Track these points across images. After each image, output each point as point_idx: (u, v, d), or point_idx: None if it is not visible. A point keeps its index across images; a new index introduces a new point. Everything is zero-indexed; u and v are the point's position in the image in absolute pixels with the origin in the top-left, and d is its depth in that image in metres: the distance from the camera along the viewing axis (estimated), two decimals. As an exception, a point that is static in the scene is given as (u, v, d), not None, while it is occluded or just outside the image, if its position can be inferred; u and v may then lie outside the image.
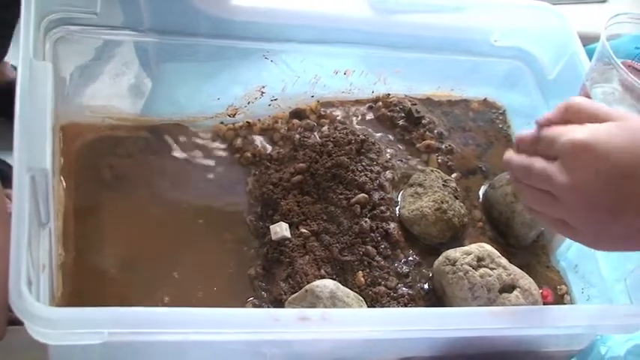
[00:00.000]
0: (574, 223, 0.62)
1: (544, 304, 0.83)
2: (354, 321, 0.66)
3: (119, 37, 0.88)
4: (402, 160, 0.94)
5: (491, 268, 0.79)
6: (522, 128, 1.01)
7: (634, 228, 0.59)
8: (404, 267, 0.84)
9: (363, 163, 0.89)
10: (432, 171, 0.91)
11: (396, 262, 0.84)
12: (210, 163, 0.92)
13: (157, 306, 0.77)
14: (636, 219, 0.59)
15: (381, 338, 0.69)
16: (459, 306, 0.78)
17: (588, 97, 0.79)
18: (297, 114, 0.96)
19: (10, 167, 1.09)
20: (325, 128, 0.94)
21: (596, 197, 0.59)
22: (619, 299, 0.84)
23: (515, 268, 0.81)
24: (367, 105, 1.00)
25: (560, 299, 0.87)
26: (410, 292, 0.82)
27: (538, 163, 0.63)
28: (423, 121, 0.98)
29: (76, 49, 0.86)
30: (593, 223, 0.60)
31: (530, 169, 0.64)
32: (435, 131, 0.98)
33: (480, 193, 0.94)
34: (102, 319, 0.60)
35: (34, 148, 0.65)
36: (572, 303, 0.88)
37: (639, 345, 0.84)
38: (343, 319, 0.66)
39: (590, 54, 0.90)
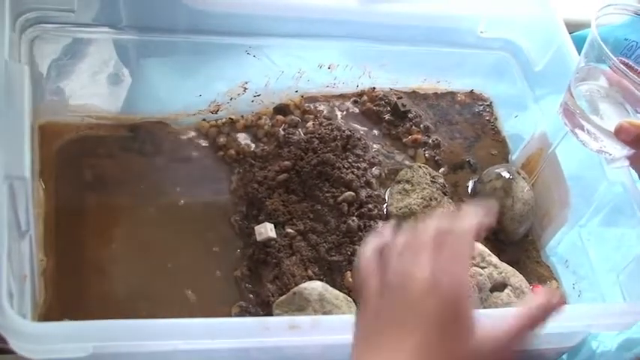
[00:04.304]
0: None
1: (535, 300, 0.82)
2: (345, 328, 0.65)
3: (97, 35, 0.86)
4: (388, 156, 0.93)
5: (482, 267, 0.78)
6: (509, 120, 1.00)
7: None
8: (393, 266, 0.83)
9: (350, 160, 0.88)
10: (419, 167, 0.90)
11: (385, 261, 0.83)
12: (193, 161, 0.90)
13: (142, 309, 0.76)
14: None
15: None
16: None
17: (571, 97, 0.78)
18: (281, 110, 0.95)
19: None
20: (310, 124, 0.93)
21: None
22: (610, 293, 0.83)
23: (506, 266, 0.80)
24: (352, 99, 0.98)
25: (550, 295, 0.86)
26: (400, 291, 0.81)
27: None
28: (409, 115, 0.97)
29: (53, 48, 0.84)
30: None
31: None
32: (422, 125, 0.97)
33: (469, 187, 0.93)
34: (86, 333, 0.58)
35: (12, 155, 0.64)
36: (563, 298, 0.87)
37: (630, 339, 0.84)
38: (333, 325, 0.65)
39: (577, 41, 0.89)
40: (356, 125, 0.95)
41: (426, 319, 0.53)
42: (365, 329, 0.57)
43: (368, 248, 0.58)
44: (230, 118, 0.93)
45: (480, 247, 0.80)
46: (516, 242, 0.89)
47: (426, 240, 0.55)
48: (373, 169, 0.89)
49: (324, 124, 0.92)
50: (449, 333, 0.53)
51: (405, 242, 0.56)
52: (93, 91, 0.90)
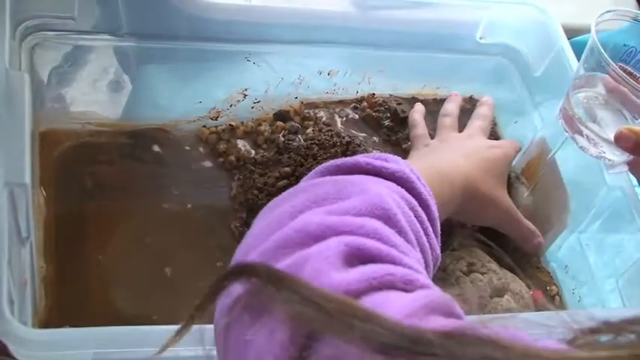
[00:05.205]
0: None
1: (535, 306, 0.82)
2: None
3: (97, 42, 0.86)
4: (388, 162, 0.93)
5: (482, 273, 0.78)
6: (509, 126, 1.01)
7: None
8: (393, 272, 0.83)
9: (349, 166, 0.88)
10: (419, 173, 0.89)
11: (385, 267, 0.83)
12: (193, 167, 0.90)
13: (142, 316, 0.76)
14: None
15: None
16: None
17: (569, 104, 0.78)
18: (281, 116, 0.95)
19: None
20: (310, 130, 0.93)
21: None
22: (610, 298, 0.83)
23: (506, 271, 0.80)
24: (352, 105, 0.98)
25: (550, 300, 0.86)
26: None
27: None
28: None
29: (53, 56, 0.84)
30: None
31: None
32: (422, 131, 0.96)
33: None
34: (87, 340, 0.58)
35: (12, 161, 0.64)
36: (563, 304, 0.87)
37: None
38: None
39: (575, 46, 0.90)
40: (356, 131, 0.95)
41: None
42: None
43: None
44: (230, 125, 0.93)
45: (479, 252, 0.81)
46: (516, 248, 0.89)
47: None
48: (373, 175, 0.89)
49: (323, 131, 0.92)
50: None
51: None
52: (93, 98, 0.90)
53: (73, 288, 0.77)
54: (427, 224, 0.60)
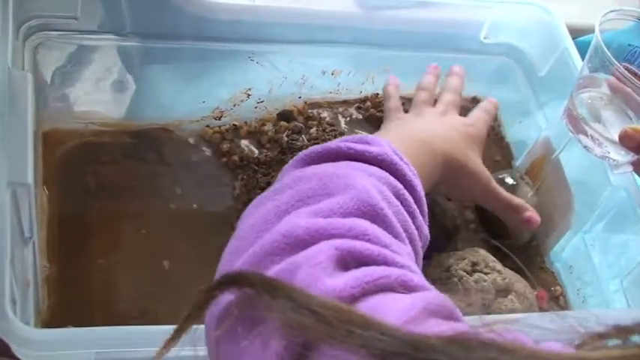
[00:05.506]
0: None
1: (539, 306, 0.82)
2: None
3: (101, 42, 0.86)
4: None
5: (486, 273, 0.78)
6: (513, 125, 1.00)
7: None
8: (396, 272, 0.83)
9: (353, 166, 0.87)
10: (422, 173, 0.89)
11: (388, 267, 0.83)
12: (197, 167, 0.90)
13: (145, 316, 0.76)
14: None
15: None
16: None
17: (573, 104, 0.78)
18: (285, 116, 0.95)
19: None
20: (313, 130, 0.93)
21: None
22: (614, 299, 0.83)
23: (510, 271, 0.80)
24: (355, 105, 0.98)
25: (555, 301, 0.86)
26: (403, 297, 0.81)
27: None
28: (413, 121, 0.96)
29: (56, 55, 0.84)
30: None
31: None
32: (425, 131, 0.96)
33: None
34: (89, 339, 0.58)
35: (15, 161, 0.64)
36: (567, 304, 0.87)
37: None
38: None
39: (580, 46, 0.89)
40: (359, 131, 0.95)
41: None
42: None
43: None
44: (233, 125, 0.93)
45: (483, 252, 0.80)
46: (520, 248, 0.89)
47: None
48: (376, 175, 0.89)
49: (327, 131, 0.92)
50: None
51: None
52: (96, 97, 0.90)
53: (76, 288, 0.77)
54: (413, 207, 0.61)
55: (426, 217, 0.64)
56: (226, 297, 0.45)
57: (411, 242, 0.58)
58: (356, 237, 0.50)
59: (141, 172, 0.87)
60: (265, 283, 0.41)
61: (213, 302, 0.44)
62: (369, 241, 0.50)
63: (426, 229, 0.63)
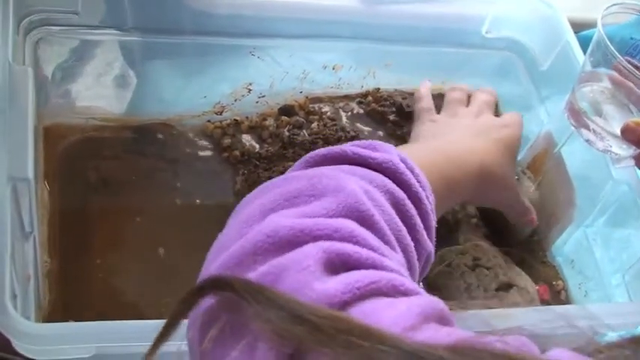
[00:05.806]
0: None
1: (541, 301, 0.82)
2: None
3: (102, 37, 0.86)
4: (393, 157, 0.92)
5: (487, 268, 0.78)
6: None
7: None
8: (398, 267, 0.83)
9: (354, 161, 0.87)
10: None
11: (389, 262, 0.83)
12: (198, 162, 0.90)
13: (147, 311, 0.76)
14: None
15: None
16: (455, 307, 0.77)
17: (575, 98, 0.78)
18: (286, 110, 0.94)
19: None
20: (315, 125, 0.93)
21: None
22: (616, 293, 0.83)
23: (512, 266, 0.80)
24: (357, 100, 0.98)
25: (556, 295, 0.86)
26: (404, 292, 0.81)
27: None
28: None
29: (57, 50, 0.84)
30: None
31: None
32: (427, 125, 0.96)
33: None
34: (90, 334, 0.58)
35: (16, 156, 0.64)
36: (568, 299, 0.87)
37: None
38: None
39: (582, 40, 0.89)
40: (361, 126, 0.95)
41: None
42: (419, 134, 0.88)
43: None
44: (235, 120, 0.93)
45: (485, 247, 0.80)
46: (522, 242, 0.89)
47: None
48: (378, 170, 0.89)
49: (328, 125, 0.92)
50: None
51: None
52: (98, 92, 0.89)
53: (76, 283, 0.77)
54: (416, 219, 0.57)
55: (433, 231, 0.61)
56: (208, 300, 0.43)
57: (405, 252, 0.55)
58: (343, 238, 0.48)
59: (142, 167, 0.87)
60: (250, 289, 0.39)
61: (196, 305, 0.43)
62: (356, 243, 0.48)
63: (428, 245, 0.59)
